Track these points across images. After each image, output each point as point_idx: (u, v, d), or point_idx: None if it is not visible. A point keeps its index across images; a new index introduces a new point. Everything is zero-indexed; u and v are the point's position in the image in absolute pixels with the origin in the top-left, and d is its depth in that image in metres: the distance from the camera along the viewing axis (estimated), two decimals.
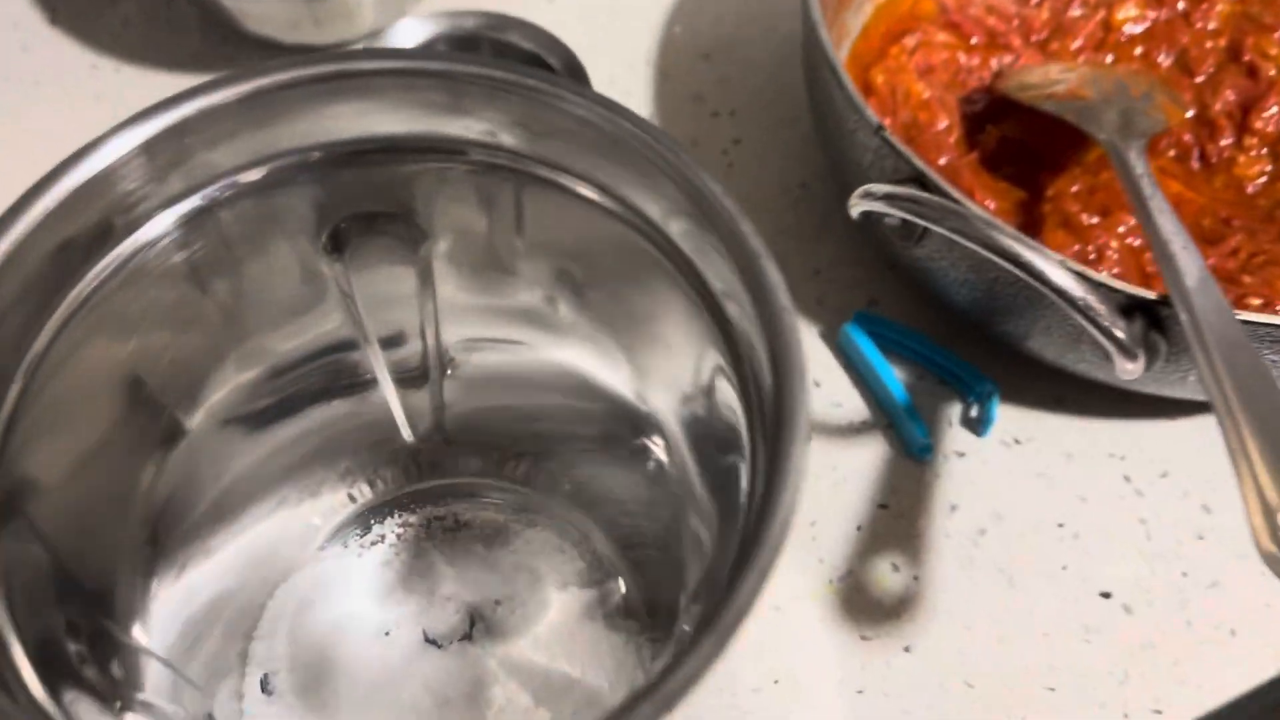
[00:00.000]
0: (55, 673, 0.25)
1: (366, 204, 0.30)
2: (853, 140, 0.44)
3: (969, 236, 0.36)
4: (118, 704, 0.27)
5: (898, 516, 0.46)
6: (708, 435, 0.30)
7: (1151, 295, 0.39)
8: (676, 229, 0.28)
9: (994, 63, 0.55)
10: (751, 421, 0.25)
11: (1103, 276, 0.39)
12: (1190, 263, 0.39)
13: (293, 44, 0.55)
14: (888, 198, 0.37)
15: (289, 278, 0.32)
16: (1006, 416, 0.48)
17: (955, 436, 0.48)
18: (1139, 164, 0.45)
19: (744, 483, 0.25)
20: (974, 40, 0.56)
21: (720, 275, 0.27)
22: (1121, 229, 0.49)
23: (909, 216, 0.37)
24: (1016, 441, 0.48)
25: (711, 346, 0.28)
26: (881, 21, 0.57)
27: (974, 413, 0.48)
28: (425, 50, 0.36)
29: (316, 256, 0.31)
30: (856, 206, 0.39)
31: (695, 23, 0.60)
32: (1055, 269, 0.36)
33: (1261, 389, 0.34)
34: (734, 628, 0.20)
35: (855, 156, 0.45)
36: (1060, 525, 0.46)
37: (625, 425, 0.35)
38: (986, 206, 0.49)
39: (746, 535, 0.22)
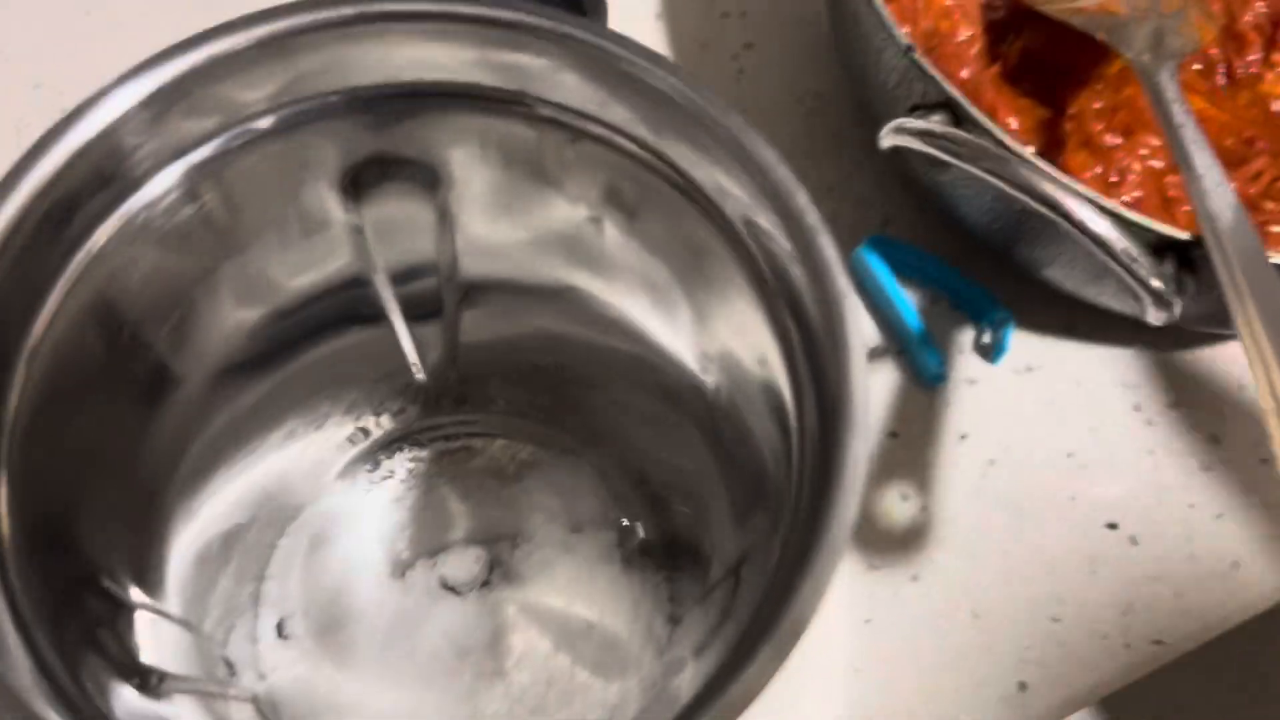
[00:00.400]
0: (70, 645, 0.24)
1: (390, 148, 0.29)
2: (879, 59, 0.42)
3: (1005, 179, 0.35)
4: (137, 677, 0.27)
5: (907, 445, 0.45)
6: (753, 403, 0.29)
7: (1185, 236, 0.38)
8: (732, 206, 0.27)
9: None
10: (800, 402, 0.24)
11: (1139, 217, 0.38)
12: (1224, 199, 0.38)
13: None
14: (923, 134, 0.36)
15: (305, 220, 0.30)
16: (1018, 343, 0.48)
17: (967, 363, 0.47)
18: (1171, 88, 0.43)
19: (792, 460, 0.24)
20: None
21: (774, 251, 0.26)
22: (1144, 151, 0.48)
23: (943, 155, 0.36)
24: (1028, 369, 0.47)
25: (762, 314, 0.27)
26: None
27: (987, 339, 0.47)
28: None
29: (334, 199, 0.30)
30: (888, 140, 0.37)
31: None
32: (1094, 216, 0.35)
33: None
34: (789, 645, 0.19)
35: (879, 76, 0.43)
36: (1069, 455, 0.46)
37: (662, 372, 0.34)
38: (1009, 125, 0.48)
39: (798, 530, 0.21)
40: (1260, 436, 0.46)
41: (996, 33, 0.51)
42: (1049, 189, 0.35)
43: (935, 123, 0.36)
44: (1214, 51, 0.52)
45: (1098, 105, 0.49)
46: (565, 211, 0.31)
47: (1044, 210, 0.35)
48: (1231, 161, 0.49)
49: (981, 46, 0.50)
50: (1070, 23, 0.48)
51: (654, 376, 0.34)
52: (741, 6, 0.54)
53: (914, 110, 0.41)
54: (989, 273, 0.48)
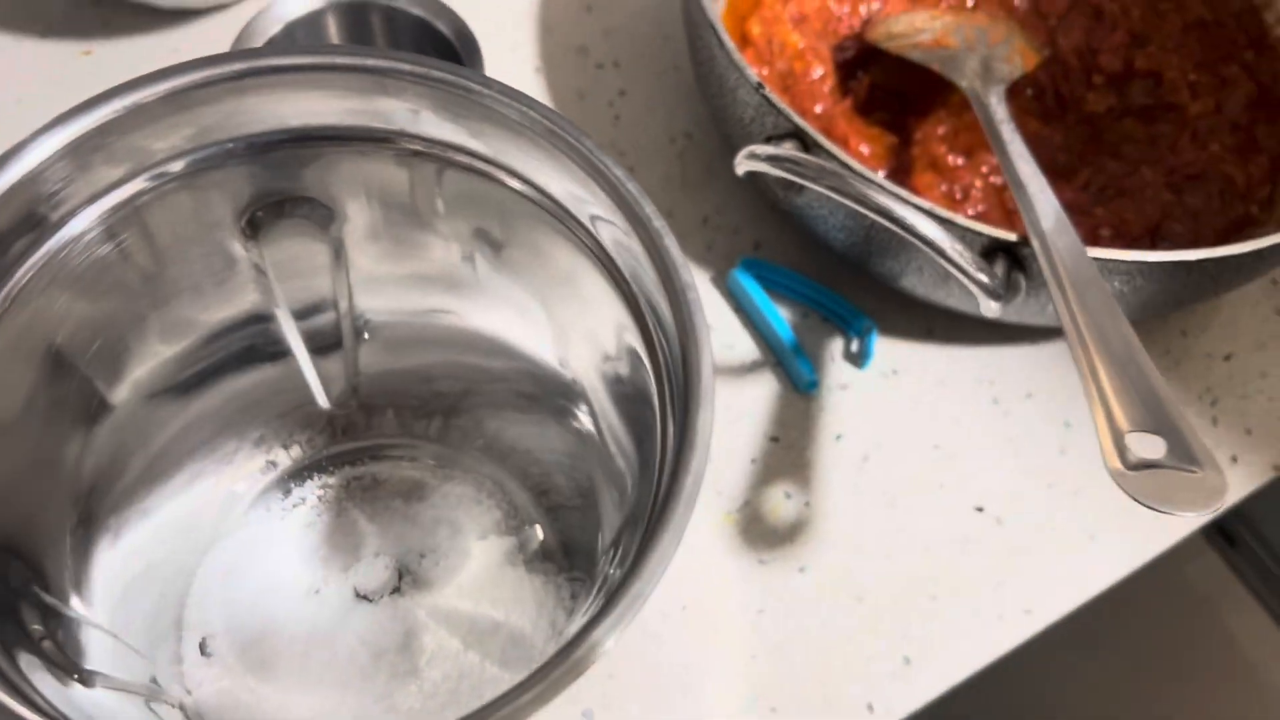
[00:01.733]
0: (11, 643, 0.26)
1: (284, 188, 0.31)
2: (734, 96, 0.47)
3: (845, 194, 0.39)
4: (74, 675, 0.28)
5: (788, 448, 0.49)
6: (624, 394, 0.32)
7: (1012, 237, 0.42)
8: (589, 219, 0.30)
9: (863, 10, 0.58)
10: (661, 387, 0.27)
11: (967, 221, 0.42)
12: (1047, 204, 0.43)
13: (170, 6, 0.55)
14: (770, 159, 0.40)
15: (211, 259, 0.33)
16: (884, 348, 0.52)
17: (839, 370, 0.51)
18: (999, 109, 0.48)
19: (658, 437, 0.27)
20: None
21: (629, 254, 0.29)
22: (985, 169, 0.53)
23: (791, 176, 0.40)
24: (894, 372, 0.51)
25: (624, 313, 0.30)
26: None
27: (855, 347, 0.51)
28: (330, 46, 0.37)
29: (237, 239, 0.32)
30: (742, 166, 0.41)
31: None
32: (925, 222, 0.39)
33: (1110, 323, 0.38)
34: (656, 575, 0.22)
35: (737, 112, 0.47)
36: (936, 447, 0.50)
37: (543, 383, 0.37)
38: (861, 152, 0.52)
39: (661, 490, 0.24)
40: None
41: (848, 70, 0.56)
42: (882, 199, 0.39)
43: (782, 149, 0.40)
44: (1043, 77, 0.57)
45: (942, 130, 0.54)
46: (441, 251, 0.35)
47: (881, 220, 0.39)
48: (1064, 174, 0.54)
49: (834, 83, 0.55)
50: (910, 58, 0.53)
51: (537, 388, 0.37)
52: (614, 57, 0.58)
53: (768, 140, 0.45)
54: (853, 286, 0.52)
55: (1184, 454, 0.34)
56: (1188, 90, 0.56)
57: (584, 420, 0.36)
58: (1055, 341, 0.53)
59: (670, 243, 0.28)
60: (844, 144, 0.52)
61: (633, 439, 0.31)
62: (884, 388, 0.51)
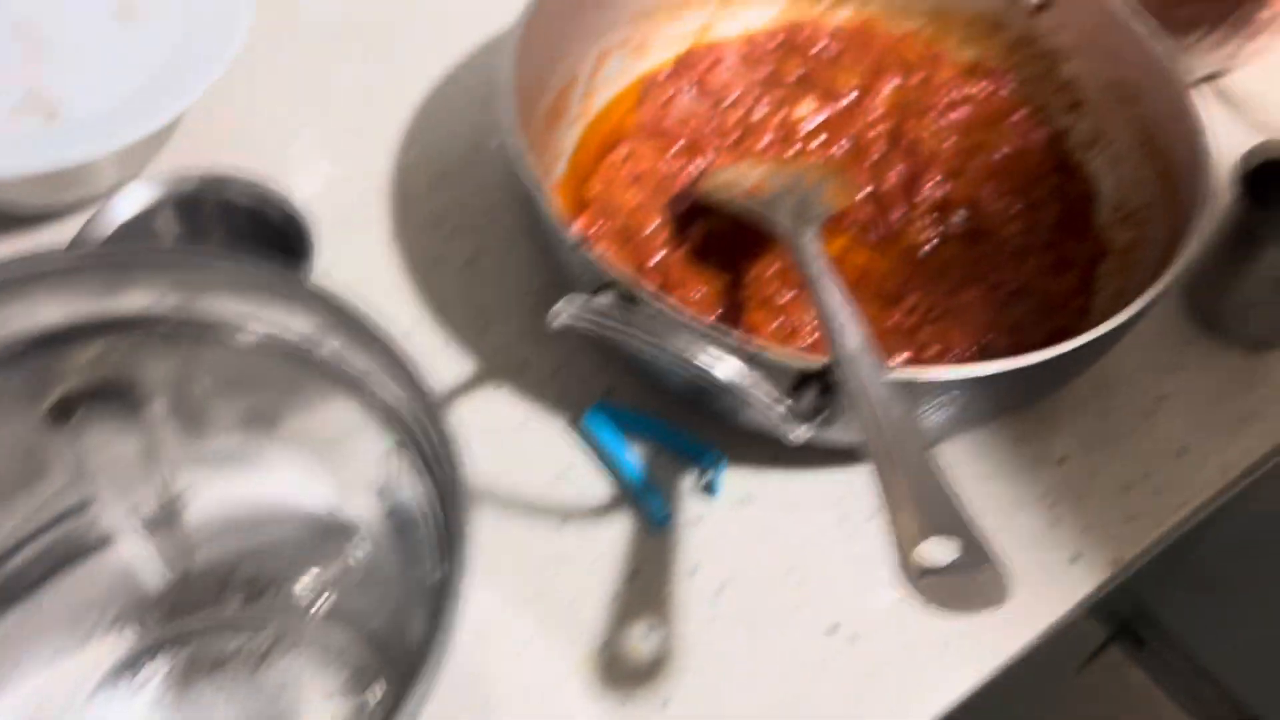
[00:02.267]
0: None
1: (85, 382, 0.33)
2: (561, 255, 0.50)
3: (646, 344, 0.42)
4: None
5: (646, 584, 0.50)
6: (409, 541, 0.33)
7: (819, 365, 0.45)
8: (373, 384, 0.32)
9: (697, 164, 0.62)
10: (433, 537, 0.29)
11: (774, 355, 0.45)
12: (852, 332, 0.46)
13: (34, 208, 0.58)
14: (574, 316, 0.42)
15: (28, 455, 0.34)
16: (735, 478, 0.54)
17: (692, 503, 0.53)
18: (812, 247, 0.52)
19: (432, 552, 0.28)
20: (678, 145, 0.63)
21: (402, 406, 0.31)
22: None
23: (594, 330, 0.42)
24: (746, 500, 0.53)
25: (401, 458, 0.32)
26: (594, 137, 0.63)
27: (706, 480, 0.53)
28: (81, 251, 0.39)
29: (42, 433, 0.34)
30: (554, 322, 0.43)
31: (430, 147, 0.64)
32: (720, 365, 0.41)
33: (908, 437, 0.41)
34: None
35: (568, 268, 0.50)
36: (790, 570, 0.51)
37: (337, 536, 0.38)
38: (694, 297, 0.56)
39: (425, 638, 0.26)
40: (1007, 537, 0.52)
41: (686, 220, 0.60)
42: (679, 348, 0.41)
43: (579, 304, 0.42)
44: (868, 213, 0.61)
45: (772, 269, 0.57)
46: (223, 435, 0.36)
47: (684, 365, 0.42)
48: (893, 300, 0.58)
49: (669, 234, 0.59)
50: (732, 207, 0.57)
51: (347, 542, 0.38)
52: (469, 223, 0.62)
53: (597, 291, 0.48)
54: (702, 421, 0.54)
55: (974, 556, 0.36)
56: (999, 215, 0.60)
57: (386, 565, 0.37)
58: None
59: (427, 386, 0.30)
60: (679, 288, 0.55)
61: (423, 572, 0.33)
62: (737, 517, 0.53)
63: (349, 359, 0.32)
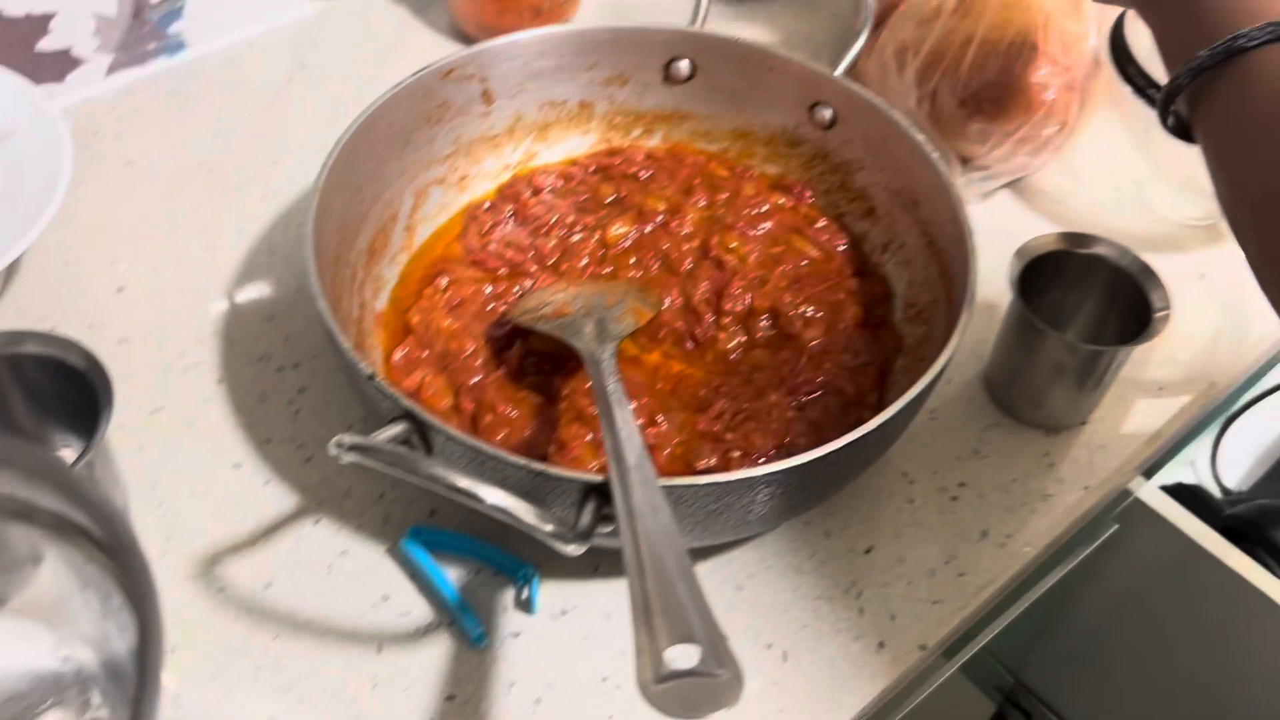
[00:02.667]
0: None
1: None
2: (364, 386, 0.52)
3: (419, 477, 0.44)
4: None
5: (464, 704, 0.51)
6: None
7: (599, 478, 0.47)
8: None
9: (518, 289, 0.65)
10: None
11: (555, 470, 0.47)
12: (633, 446, 0.48)
13: None
14: (354, 449, 0.44)
15: None
16: (553, 591, 0.55)
17: (511, 619, 0.54)
18: (608, 364, 0.54)
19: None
20: (500, 272, 0.66)
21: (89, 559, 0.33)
22: None
23: (371, 464, 0.44)
24: (563, 612, 0.55)
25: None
26: (417, 267, 0.66)
27: (524, 595, 0.55)
28: None
29: None
30: (340, 459, 0.45)
31: (257, 290, 0.67)
32: (493, 494, 0.43)
33: (667, 544, 0.42)
34: None
35: (370, 400, 0.52)
36: (604, 679, 0.53)
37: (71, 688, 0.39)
38: (510, 416, 0.58)
39: None
40: (816, 628, 0.54)
41: (504, 342, 0.62)
42: (458, 481, 0.43)
43: (350, 441, 0.44)
44: (680, 325, 0.64)
45: (587, 385, 0.60)
46: None
47: (453, 495, 0.44)
48: (702, 407, 0.60)
49: (486, 357, 0.61)
50: (539, 329, 0.59)
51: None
52: (294, 359, 0.64)
53: (393, 420, 0.50)
54: (525, 538, 0.56)
55: (714, 659, 0.38)
56: (802, 320, 0.63)
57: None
58: (709, 560, 0.57)
59: (130, 536, 0.32)
60: (493, 410, 0.58)
61: None
62: (554, 629, 0.54)
63: (64, 514, 0.33)
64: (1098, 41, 0.72)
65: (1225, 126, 0.48)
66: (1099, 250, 0.61)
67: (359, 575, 0.55)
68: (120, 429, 0.59)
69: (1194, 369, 0.67)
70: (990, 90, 0.71)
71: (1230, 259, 0.72)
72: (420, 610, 0.54)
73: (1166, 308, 0.58)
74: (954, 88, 0.71)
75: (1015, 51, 0.70)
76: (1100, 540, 0.79)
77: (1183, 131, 0.51)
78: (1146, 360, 0.67)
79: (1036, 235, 0.62)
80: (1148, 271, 0.60)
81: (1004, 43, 0.71)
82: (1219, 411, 0.76)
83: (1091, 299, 0.63)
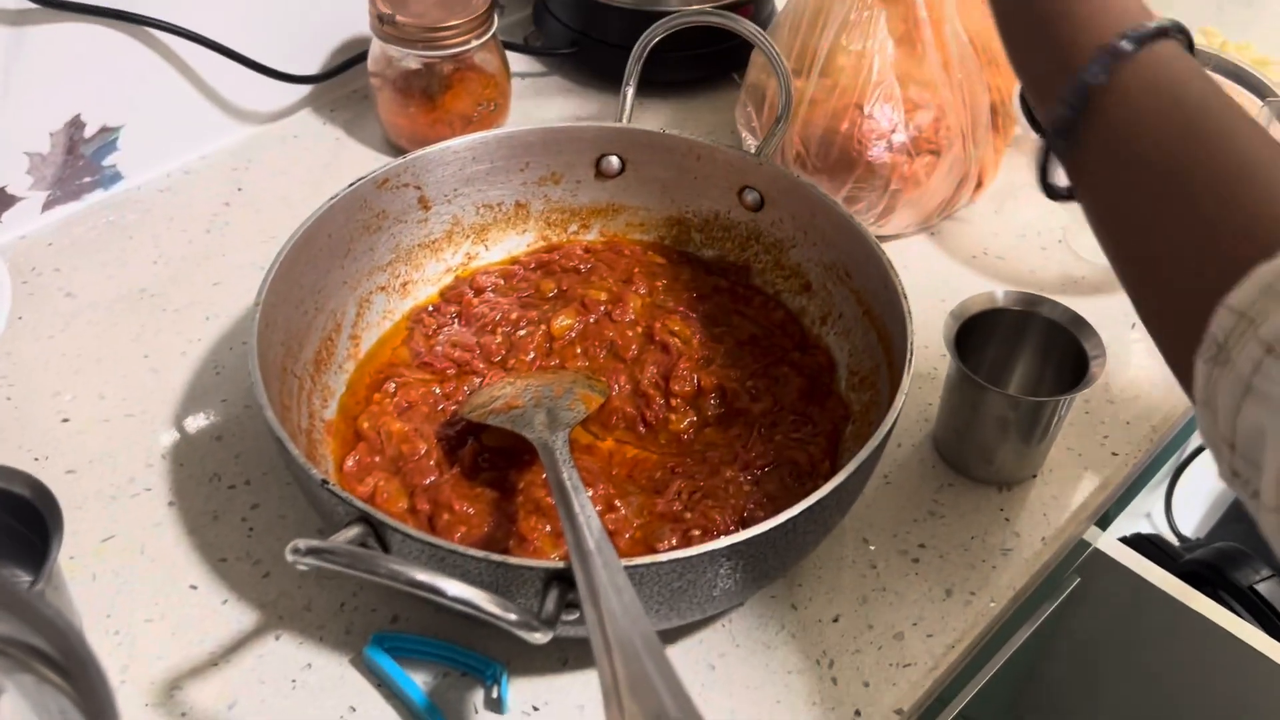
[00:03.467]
0: None
1: None
2: (317, 493, 0.51)
3: (379, 575, 0.43)
4: None
5: None
6: None
7: (560, 564, 0.47)
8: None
9: (466, 388, 0.65)
10: None
11: (517, 560, 0.47)
12: (594, 529, 0.48)
13: None
14: (310, 553, 0.44)
15: None
16: (524, 688, 0.55)
17: (482, 719, 0.53)
18: (562, 451, 0.55)
19: None
20: (448, 372, 0.66)
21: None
22: None
23: (329, 567, 0.44)
24: (535, 709, 0.54)
25: None
26: (365, 374, 0.66)
27: (494, 694, 0.54)
28: None
29: None
30: (297, 565, 0.45)
31: (205, 411, 0.66)
32: (449, 584, 0.43)
33: (633, 626, 0.42)
34: None
35: (325, 506, 0.52)
36: None
37: None
38: (466, 513, 0.58)
39: None
40: (790, 703, 0.54)
41: (457, 441, 0.62)
42: (418, 574, 0.43)
43: (306, 545, 0.44)
44: (631, 410, 0.65)
45: (543, 476, 0.60)
46: None
47: (423, 594, 0.43)
48: (659, 489, 0.60)
49: (439, 456, 0.61)
50: (490, 424, 0.59)
51: None
52: (245, 476, 0.63)
53: (349, 524, 0.49)
54: (490, 634, 0.56)
55: None
56: (749, 395, 0.64)
57: None
58: (679, 642, 0.57)
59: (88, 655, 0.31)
60: (449, 510, 0.58)
61: None
62: None
63: (19, 638, 0.33)
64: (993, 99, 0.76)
65: (1092, 178, 0.43)
66: (1030, 306, 0.63)
67: (324, 688, 0.54)
68: (72, 559, 0.58)
69: (1135, 414, 0.69)
70: (821, 148, 0.74)
71: None
72: (389, 719, 0.53)
73: (1101, 355, 0.60)
74: (793, 145, 0.75)
75: (842, 112, 0.73)
76: (1065, 594, 0.79)
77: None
78: (1089, 409, 0.68)
79: (972, 294, 0.63)
80: (1079, 322, 0.61)
81: (831, 103, 0.74)
82: (1166, 455, 0.77)
83: (1029, 352, 0.65)
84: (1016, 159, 0.84)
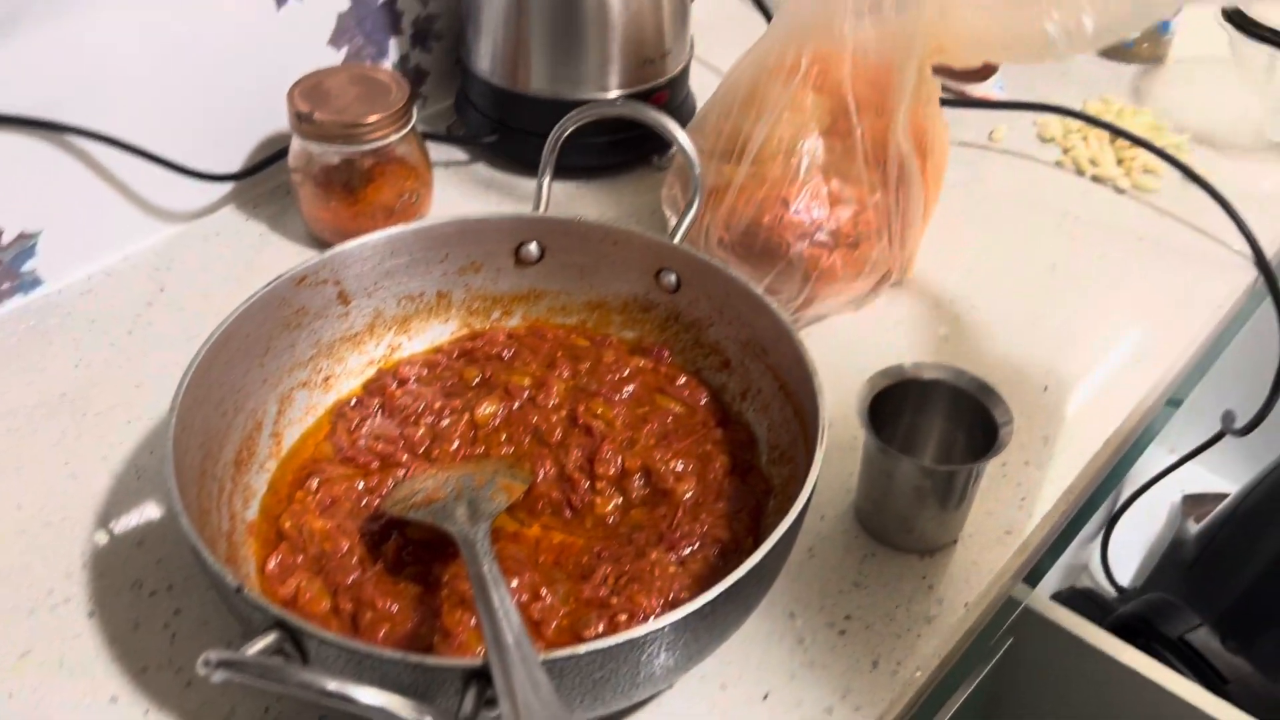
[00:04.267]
0: None
1: None
2: (233, 600, 0.51)
3: (290, 686, 0.43)
4: None
5: None
6: None
7: (477, 663, 0.47)
8: None
9: (391, 481, 0.65)
10: None
11: (434, 660, 0.47)
12: (513, 623, 0.48)
13: None
14: (221, 666, 0.43)
15: None
16: None
17: None
18: (483, 544, 0.55)
19: None
20: (372, 466, 0.66)
21: None
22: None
23: (241, 679, 0.44)
24: None
25: None
26: (287, 472, 0.66)
27: None
28: None
29: None
30: (210, 678, 0.44)
31: (125, 516, 0.66)
32: (362, 692, 0.43)
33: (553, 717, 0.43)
34: None
35: (241, 612, 0.51)
36: None
37: None
38: (390, 610, 0.57)
39: None
40: None
41: (380, 536, 0.62)
42: (328, 685, 0.43)
43: (217, 657, 0.43)
44: (556, 495, 0.65)
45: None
46: None
47: (336, 704, 0.43)
48: (585, 575, 0.61)
49: (362, 553, 0.61)
50: (411, 519, 0.59)
51: None
52: (168, 582, 0.62)
53: (266, 630, 0.49)
54: None
55: None
56: (674, 475, 0.65)
57: None
58: None
59: None
60: (372, 608, 0.57)
61: None
62: None
63: None
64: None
65: None
66: (937, 375, 0.64)
67: None
68: None
69: (1051, 476, 0.70)
70: (744, 237, 0.76)
71: (1067, 369, 0.77)
72: None
73: (1009, 421, 0.62)
74: (717, 229, 0.77)
75: (767, 204, 0.75)
76: (999, 655, 0.80)
77: None
78: (1006, 472, 0.70)
79: (891, 363, 0.65)
80: (986, 389, 0.63)
81: (758, 193, 0.76)
82: (1092, 509, 0.79)
83: (942, 420, 0.66)
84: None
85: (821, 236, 0.75)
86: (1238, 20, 0.98)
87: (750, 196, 0.76)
